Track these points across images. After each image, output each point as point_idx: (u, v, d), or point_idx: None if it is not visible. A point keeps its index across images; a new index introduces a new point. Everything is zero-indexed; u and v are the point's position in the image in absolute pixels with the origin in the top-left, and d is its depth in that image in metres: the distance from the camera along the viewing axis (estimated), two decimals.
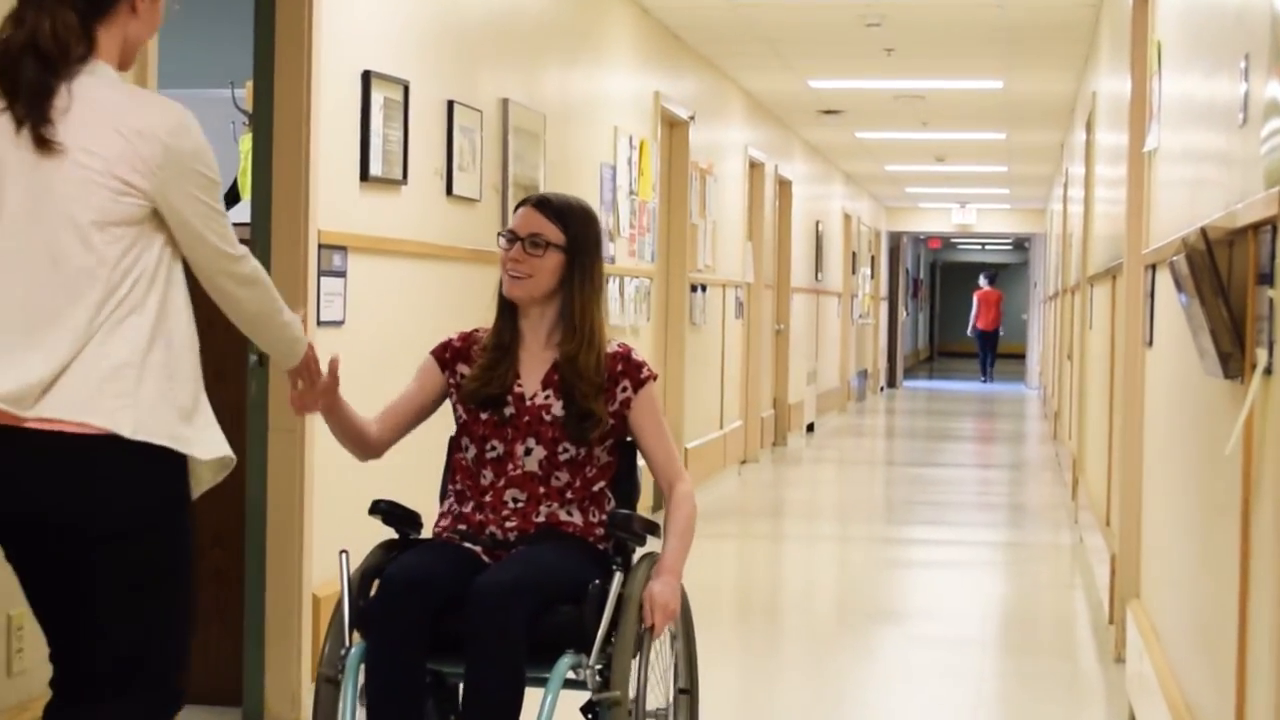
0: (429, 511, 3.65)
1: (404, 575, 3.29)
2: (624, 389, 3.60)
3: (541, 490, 3.53)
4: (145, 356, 2.74)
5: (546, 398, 3.55)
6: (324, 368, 3.33)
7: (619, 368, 3.60)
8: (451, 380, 3.63)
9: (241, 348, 4.88)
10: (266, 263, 4.81)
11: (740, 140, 12.28)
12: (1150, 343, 5.28)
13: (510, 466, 3.54)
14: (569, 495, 3.54)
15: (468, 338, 3.67)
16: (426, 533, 3.63)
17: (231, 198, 5.61)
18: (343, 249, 5.07)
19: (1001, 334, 28.56)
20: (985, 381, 27.01)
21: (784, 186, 14.51)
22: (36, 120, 2.69)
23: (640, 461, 3.72)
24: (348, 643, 3.31)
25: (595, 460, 3.58)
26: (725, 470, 11.56)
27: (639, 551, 3.58)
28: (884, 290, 24.40)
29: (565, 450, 3.54)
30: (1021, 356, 28.26)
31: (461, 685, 3.29)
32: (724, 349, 11.67)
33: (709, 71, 11.05)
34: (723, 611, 7.19)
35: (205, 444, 2.86)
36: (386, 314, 5.35)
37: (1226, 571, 3.33)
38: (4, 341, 2.69)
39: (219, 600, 4.97)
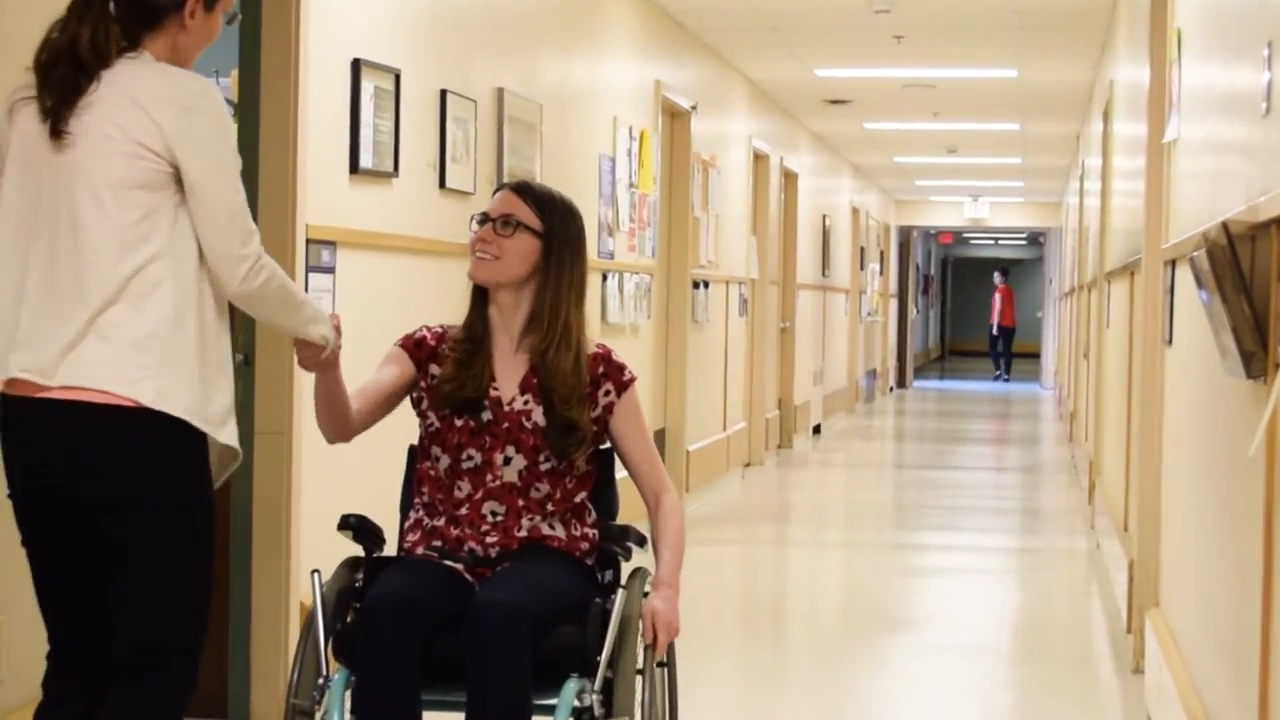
0: (388, 525, 3.57)
1: (393, 597, 3.19)
2: (606, 393, 3.51)
3: (521, 503, 3.44)
4: (174, 331, 2.83)
5: (525, 403, 3.45)
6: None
7: (600, 370, 3.51)
8: (424, 381, 3.52)
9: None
10: None
11: (744, 131, 12.28)
12: (1170, 341, 5.28)
13: (489, 477, 3.43)
14: (550, 508, 3.45)
15: (439, 336, 3.55)
16: (390, 549, 3.53)
17: None
18: (331, 244, 5.07)
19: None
20: (1005, 380, 27.28)
21: (789, 179, 14.51)
22: (57, 113, 2.84)
23: (620, 472, 3.63)
24: (325, 670, 3.22)
25: (575, 470, 3.49)
26: (728, 474, 11.56)
27: (624, 566, 3.53)
28: (893, 287, 24.41)
29: (546, 459, 3.44)
30: (1036, 355, 28.26)
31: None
32: (727, 348, 11.68)
33: (711, 59, 11.05)
34: (726, 620, 7.19)
35: (226, 430, 2.94)
36: (377, 312, 5.35)
37: (1249, 578, 3.33)
38: (34, 313, 2.82)
39: None
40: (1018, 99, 13.08)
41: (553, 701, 3.20)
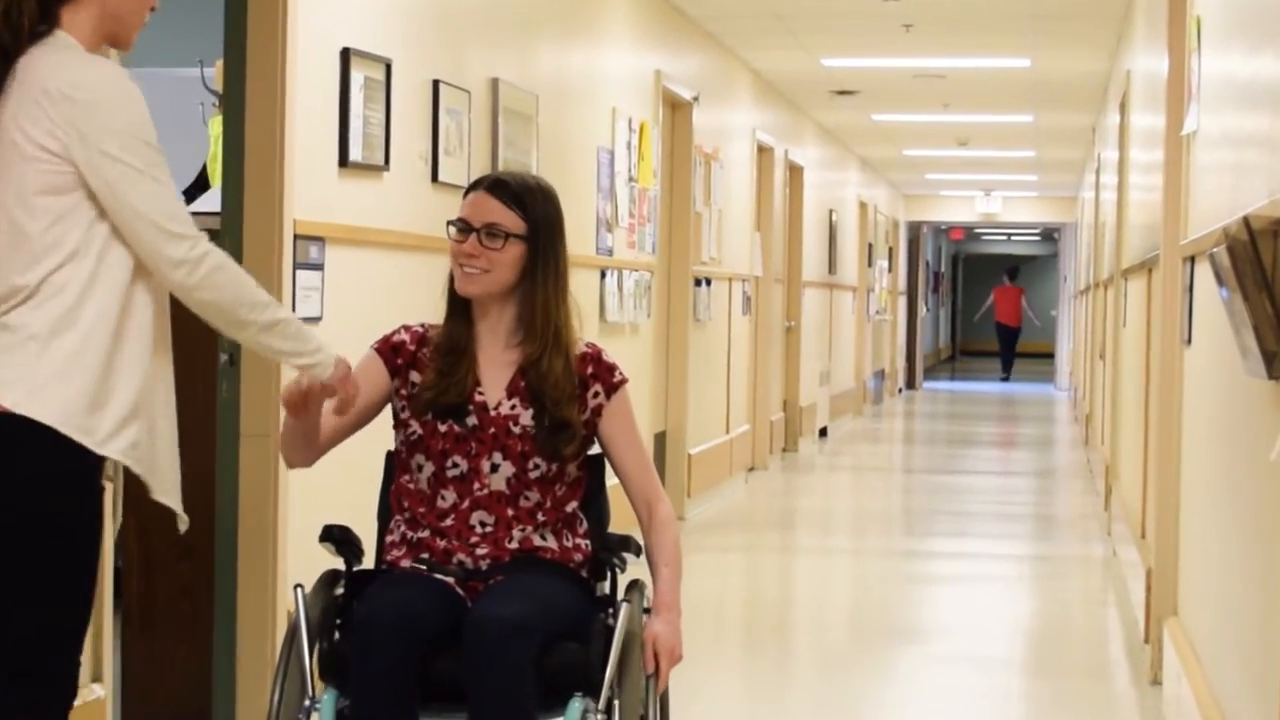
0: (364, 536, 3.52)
1: (388, 614, 3.14)
2: (595, 394, 3.45)
3: (510, 512, 3.38)
4: (54, 336, 2.76)
5: (513, 407, 3.39)
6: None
7: (589, 370, 3.45)
8: (402, 389, 3.44)
9: (211, 345, 4.87)
10: (238, 255, 4.80)
11: (748, 123, 12.28)
12: (1189, 341, 5.27)
13: (475, 486, 3.37)
14: (541, 517, 3.40)
15: (418, 337, 3.48)
16: (368, 561, 3.47)
17: (201, 185, 5.62)
18: (320, 240, 5.06)
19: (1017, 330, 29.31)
20: (1003, 379, 27.60)
21: (795, 173, 14.51)
22: None
23: (611, 479, 3.58)
24: (312, 692, 3.17)
25: (566, 477, 3.44)
26: (732, 478, 11.56)
27: (618, 577, 3.49)
28: (902, 284, 24.41)
29: (536, 466, 3.39)
30: (1050, 355, 28.28)
31: None
32: (730, 348, 11.68)
33: (714, 49, 11.05)
34: (729, 630, 7.19)
35: (114, 444, 2.84)
36: (367, 310, 5.34)
37: (1272, 586, 3.33)
38: None
39: (186, 617, 4.96)
40: (1031, 89, 13.08)
41: None
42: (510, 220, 3.39)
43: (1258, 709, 3.53)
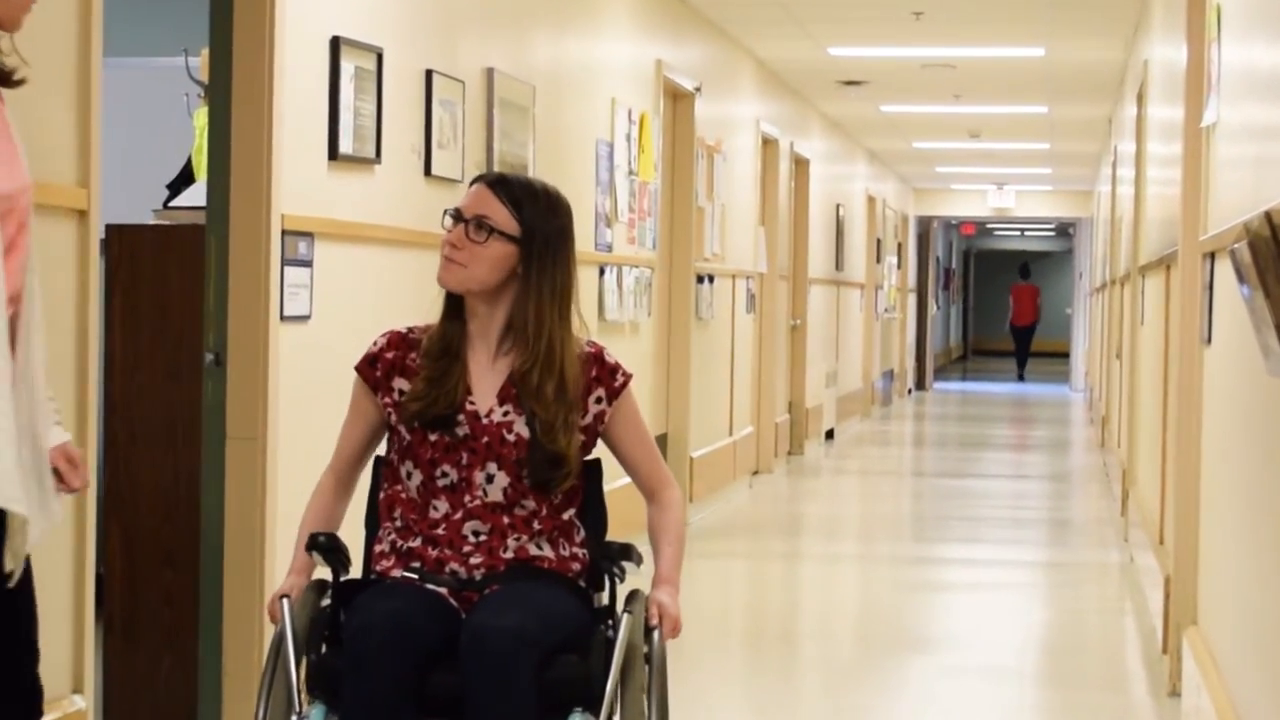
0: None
1: (383, 626, 3.12)
2: (598, 400, 3.45)
3: (506, 521, 3.37)
4: None
5: (506, 414, 3.38)
6: None
7: (591, 373, 3.44)
8: (388, 400, 3.43)
9: (195, 344, 4.88)
10: (224, 251, 4.82)
11: (752, 114, 12.28)
12: (1208, 340, 5.27)
13: (468, 497, 3.37)
14: (537, 526, 3.39)
15: (402, 341, 3.47)
16: (355, 570, 3.43)
17: (185, 178, 5.61)
18: (309, 235, 5.06)
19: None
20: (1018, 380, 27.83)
21: (800, 166, 14.51)
22: None
23: (606, 485, 3.57)
24: (300, 707, 3.15)
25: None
26: (735, 482, 11.56)
27: (617, 587, 3.44)
28: (912, 281, 24.41)
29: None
30: (1065, 355, 28.30)
31: None
32: (734, 347, 11.68)
33: (717, 38, 11.05)
34: (732, 639, 7.19)
35: None
36: (358, 308, 5.35)
37: None
38: None
39: (170, 626, 4.97)
40: (1045, 80, 13.08)
41: None
42: (502, 217, 3.39)
43: None
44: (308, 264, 5.06)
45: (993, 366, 32.87)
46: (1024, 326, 29.80)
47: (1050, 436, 17.75)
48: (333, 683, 3.17)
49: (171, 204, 5.48)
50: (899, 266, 22.31)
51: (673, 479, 3.58)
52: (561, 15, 7.67)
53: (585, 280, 7.72)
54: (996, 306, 37.51)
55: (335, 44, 5.21)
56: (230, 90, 4.85)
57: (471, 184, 3.49)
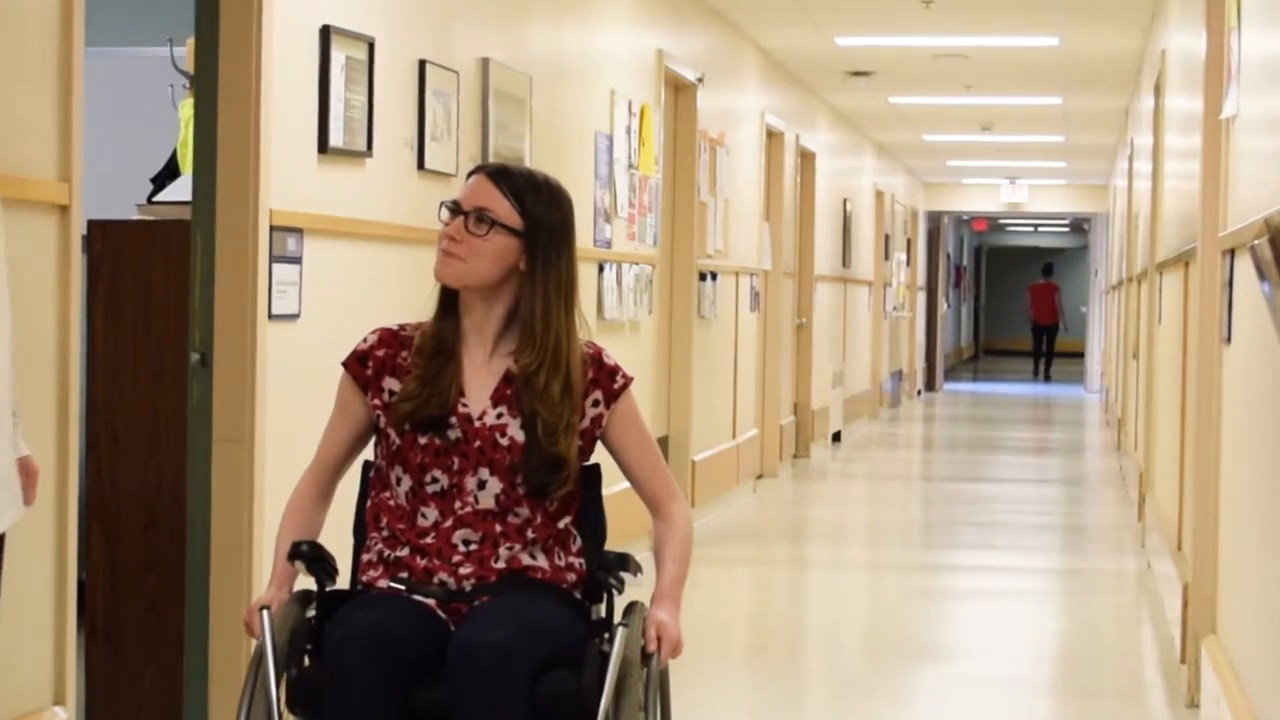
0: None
1: (365, 638, 3.10)
2: (595, 403, 3.41)
3: (498, 529, 3.34)
4: None
5: (499, 417, 3.34)
6: None
7: (589, 375, 3.41)
8: (377, 400, 3.40)
9: (180, 344, 4.88)
10: (210, 247, 4.82)
11: (756, 106, 12.28)
12: (1228, 339, 5.27)
13: (458, 504, 3.33)
14: (530, 535, 3.35)
15: (393, 339, 3.44)
16: (342, 581, 3.41)
17: (170, 172, 5.61)
18: (298, 231, 5.07)
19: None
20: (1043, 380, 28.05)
21: (806, 159, 14.52)
22: None
23: (605, 489, 3.53)
24: None
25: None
26: (739, 486, 11.56)
27: (615, 599, 3.42)
28: (922, 279, 24.41)
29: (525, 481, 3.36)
30: (1080, 355, 28.32)
31: None
32: (737, 346, 11.68)
33: (720, 26, 11.05)
34: (736, 649, 7.19)
35: None
36: (349, 306, 5.35)
37: None
38: None
39: (154, 635, 4.97)
40: (1060, 70, 13.08)
41: None
42: (503, 210, 3.36)
43: None
44: (297, 261, 5.06)
45: (1005, 367, 32.88)
46: (1044, 325, 30.09)
47: (1065, 439, 17.75)
48: (314, 698, 3.15)
49: (156, 199, 5.48)
50: (908, 263, 22.31)
51: (678, 490, 3.53)
52: (559, 3, 7.67)
53: (584, 278, 7.71)
54: (1009, 305, 37.53)
55: (325, 33, 5.21)
56: (216, 81, 4.85)
57: (469, 175, 3.45)
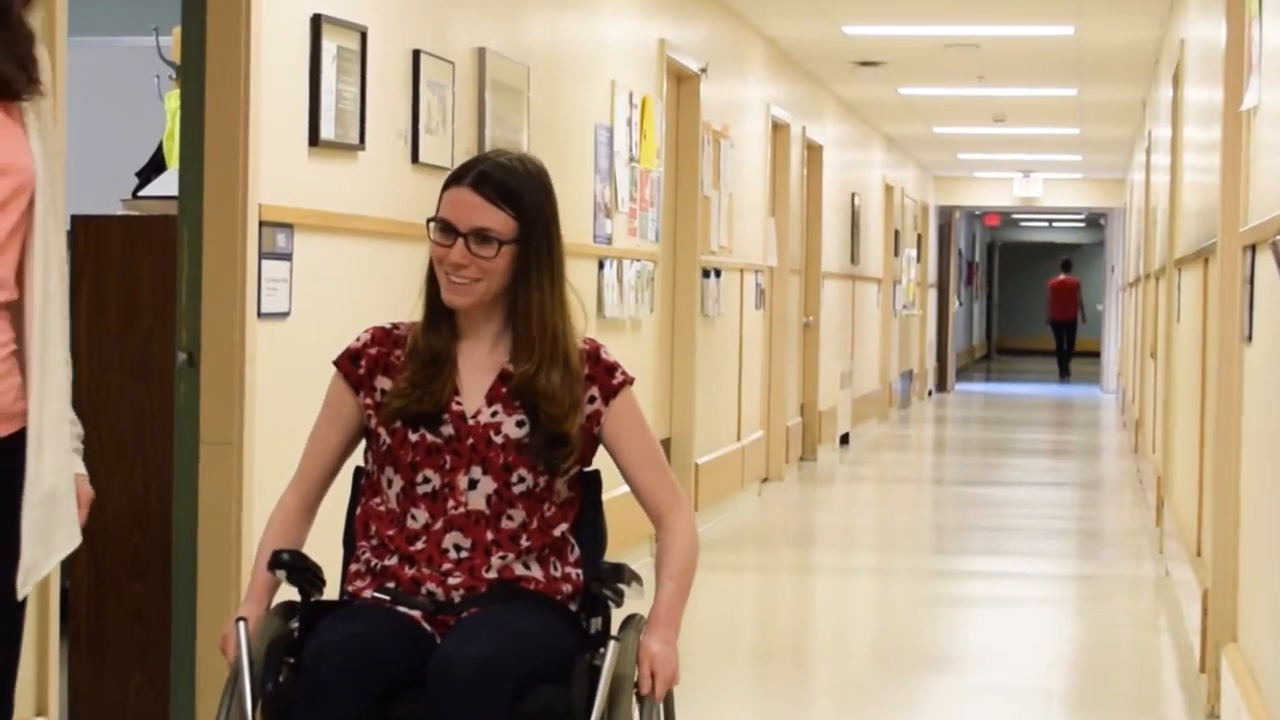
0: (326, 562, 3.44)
1: (339, 651, 3.08)
2: (592, 399, 3.37)
3: (490, 535, 3.29)
4: None
5: (494, 414, 3.32)
6: None
7: (585, 371, 3.37)
8: (369, 400, 3.38)
9: (166, 343, 4.88)
10: (198, 243, 4.82)
11: (761, 97, 12.28)
12: (1249, 337, 5.27)
13: (450, 504, 3.30)
14: (525, 542, 3.31)
15: (386, 338, 3.42)
16: (331, 593, 3.37)
17: (156, 166, 5.62)
18: (288, 227, 5.06)
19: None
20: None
21: (813, 152, 14.52)
22: None
23: (604, 494, 3.50)
24: None
25: (555, 495, 3.35)
26: (744, 490, 11.56)
27: (614, 611, 3.36)
28: (932, 276, 24.42)
29: (521, 480, 3.30)
30: (1096, 354, 28.33)
31: None
32: (742, 346, 11.68)
33: (724, 15, 11.05)
34: (741, 658, 7.19)
35: None
36: (341, 304, 5.35)
37: None
38: None
39: (139, 643, 4.97)
40: (1075, 60, 13.08)
41: None
42: (501, 223, 3.30)
43: None
44: (287, 257, 5.06)
45: (1019, 367, 32.89)
46: (1063, 321, 30.34)
47: (1080, 441, 17.75)
48: (288, 712, 3.12)
49: (141, 193, 5.49)
50: (918, 260, 22.31)
51: (684, 499, 3.46)
52: None
53: (584, 275, 7.73)
54: (1023, 302, 37.55)
55: (316, 22, 5.21)
56: (204, 72, 4.85)
57: (447, 184, 3.37)
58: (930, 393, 23.58)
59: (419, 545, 3.31)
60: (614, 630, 3.32)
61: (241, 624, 3.19)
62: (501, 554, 3.31)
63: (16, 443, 2.82)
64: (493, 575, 3.30)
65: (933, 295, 24.40)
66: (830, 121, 15.36)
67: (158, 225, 5.02)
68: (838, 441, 15.61)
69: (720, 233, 10.76)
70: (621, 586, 3.27)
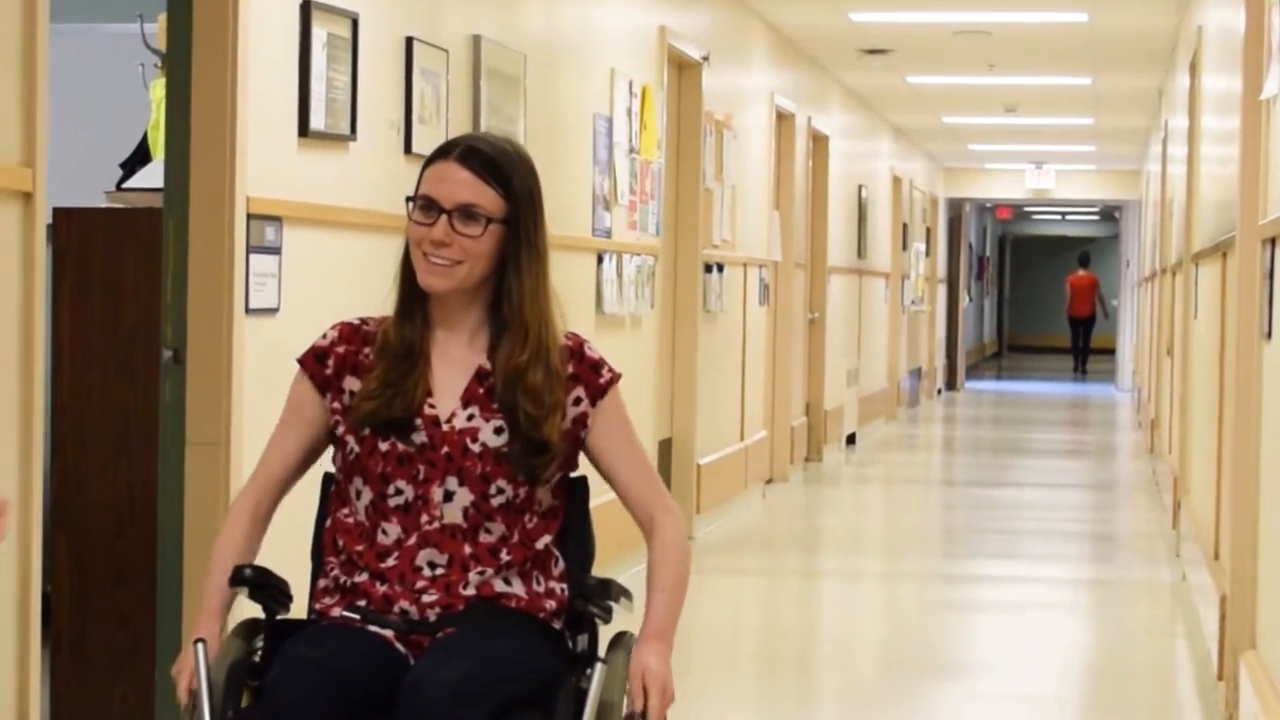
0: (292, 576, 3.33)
1: (304, 674, 2.98)
2: (577, 400, 3.24)
3: (467, 550, 3.16)
4: None
5: (470, 419, 3.18)
6: None
7: (569, 369, 3.23)
8: (336, 403, 3.24)
9: (151, 340, 4.88)
10: (184, 237, 4.82)
11: (765, 86, 12.28)
12: (1269, 334, 5.27)
13: (424, 518, 3.16)
14: (505, 556, 3.18)
15: (354, 334, 3.28)
16: (299, 610, 3.25)
17: (141, 157, 5.61)
18: (277, 220, 5.06)
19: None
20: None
21: (819, 143, 14.52)
22: None
23: (592, 500, 3.40)
24: None
25: (537, 505, 3.22)
26: (747, 492, 11.56)
27: (601, 629, 3.24)
28: (942, 271, 24.42)
29: (500, 491, 3.17)
30: (1110, 351, 28.33)
31: None
32: (745, 343, 11.68)
33: (726, 2, 11.05)
34: (744, 664, 7.19)
35: None
36: (330, 300, 5.34)
37: None
38: None
39: (124, 650, 4.97)
40: (1089, 48, 13.08)
41: None
42: (489, 200, 3.16)
43: None
44: (275, 251, 5.06)
45: (1031, 364, 32.89)
46: (1081, 318, 30.47)
47: (1094, 441, 17.76)
48: None
49: (125, 185, 5.48)
50: (927, 254, 22.31)
51: (673, 505, 3.33)
52: None
53: (582, 269, 7.72)
54: (1035, 298, 37.54)
55: (306, 8, 5.21)
56: (190, 60, 4.85)
57: (429, 161, 3.23)
58: (939, 391, 23.58)
59: (390, 562, 3.19)
60: (602, 648, 3.21)
61: (200, 646, 3.08)
62: (480, 570, 3.18)
63: None
64: (470, 592, 3.18)
65: (942, 290, 24.39)
66: (836, 111, 15.36)
67: (142, 218, 5.02)
68: (844, 441, 15.61)
69: (723, 226, 10.76)
70: (609, 603, 3.16)
